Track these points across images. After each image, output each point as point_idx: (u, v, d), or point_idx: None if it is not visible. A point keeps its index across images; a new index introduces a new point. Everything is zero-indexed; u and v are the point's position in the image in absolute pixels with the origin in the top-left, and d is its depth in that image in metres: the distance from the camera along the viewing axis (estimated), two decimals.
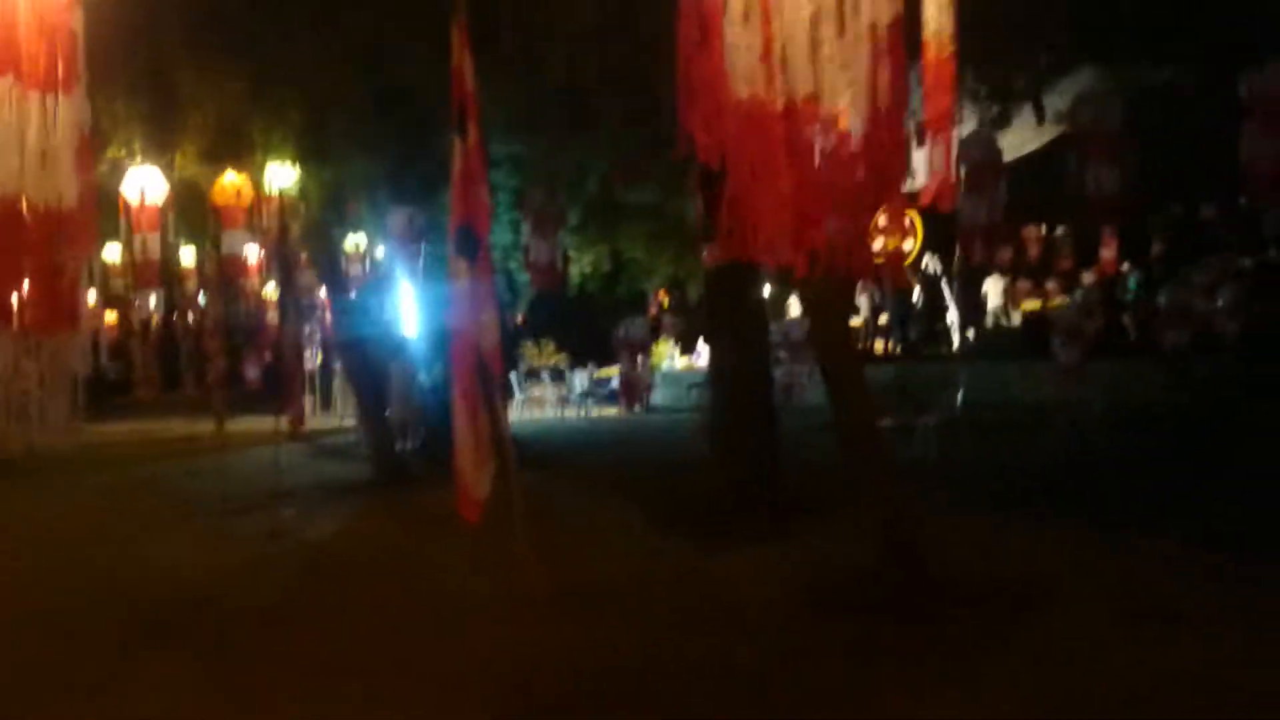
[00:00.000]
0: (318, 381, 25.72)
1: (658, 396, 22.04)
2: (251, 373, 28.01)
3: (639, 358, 14.64)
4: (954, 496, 9.54)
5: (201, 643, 6.23)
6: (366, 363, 12.91)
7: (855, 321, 21.56)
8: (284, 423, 9.93)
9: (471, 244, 4.57)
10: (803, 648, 5.81)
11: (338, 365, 24.64)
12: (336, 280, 13.36)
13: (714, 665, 5.54)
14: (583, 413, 20.64)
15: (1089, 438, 12.40)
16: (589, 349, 25.56)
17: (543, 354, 26.73)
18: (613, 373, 22.76)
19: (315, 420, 24.73)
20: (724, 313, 9.79)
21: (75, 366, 4.13)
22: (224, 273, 12.00)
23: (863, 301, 20.58)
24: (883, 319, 20.62)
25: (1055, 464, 11.54)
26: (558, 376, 22.75)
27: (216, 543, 9.53)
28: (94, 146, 4.24)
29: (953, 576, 6.65)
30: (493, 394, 4.59)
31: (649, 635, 6.10)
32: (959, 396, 13.14)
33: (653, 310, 27.51)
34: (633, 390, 13.55)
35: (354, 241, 15.61)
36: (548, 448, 15.52)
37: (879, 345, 20.36)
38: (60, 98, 3.71)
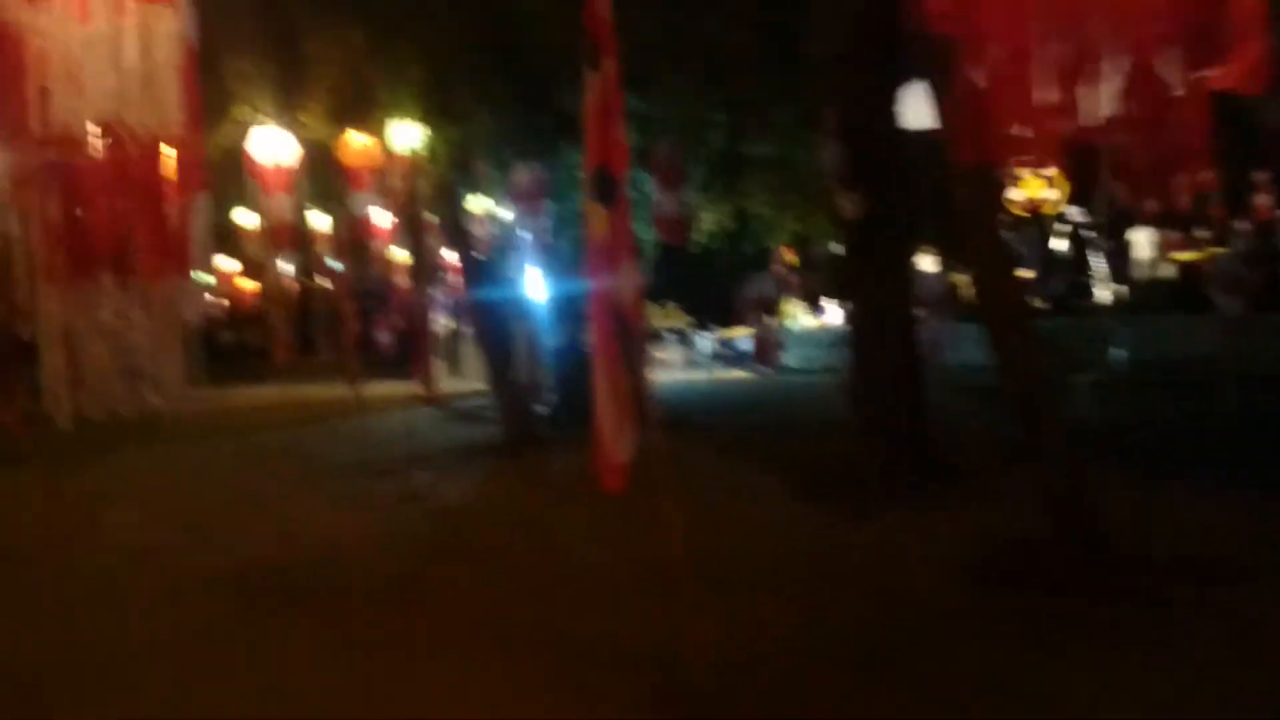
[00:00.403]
0: (447, 345, 26.06)
1: (787, 357, 21.48)
2: (383, 337, 28.49)
3: (770, 317, 13.97)
4: (1118, 461, 8.79)
5: (334, 611, 6.04)
6: (495, 326, 12.71)
7: None
8: (417, 387, 9.69)
9: (609, 187, 4.16)
10: (973, 629, 5.28)
11: (467, 328, 24.97)
12: (463, 242, 13.17)
13: (874, 648, 5.08)
14: (710, 375, 20.20)
15: (1259, 396, 11.40)
16: (711, 310, 25.13)
17: (665, 316, 26.43)
18: (739, 333, 22.31)
19: (446, 384, 25.00)
20: (864, 266, 9.19)
21: (187, 316, 3.78)
22: (354, 235, 11.90)
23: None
24: (1024, 273, 19.60)
25: (1225, 425, 10.64)
26: (681, 339, 22.36)
27: (350, 507, 9.44)
28: (200, 71, 3.75)
29: (1132, 549, 6.03)
30: (634, 352, 4.19)
31: (800, 613, 5.64)
32: (1116, 353, 12.24)
33: (776, 269, 26.91)
34: (766, 350, 12.93)
35: (481, 203, 15.47)
36: (678, 411, 15.12)
37: None
38: (160, 6, 3.20)
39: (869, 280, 9.10)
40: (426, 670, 5.03)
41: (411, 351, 9.95)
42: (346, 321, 11.79)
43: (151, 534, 8.56)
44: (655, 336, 22.76)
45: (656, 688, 4.65)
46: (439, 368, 26.31)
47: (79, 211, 3.59)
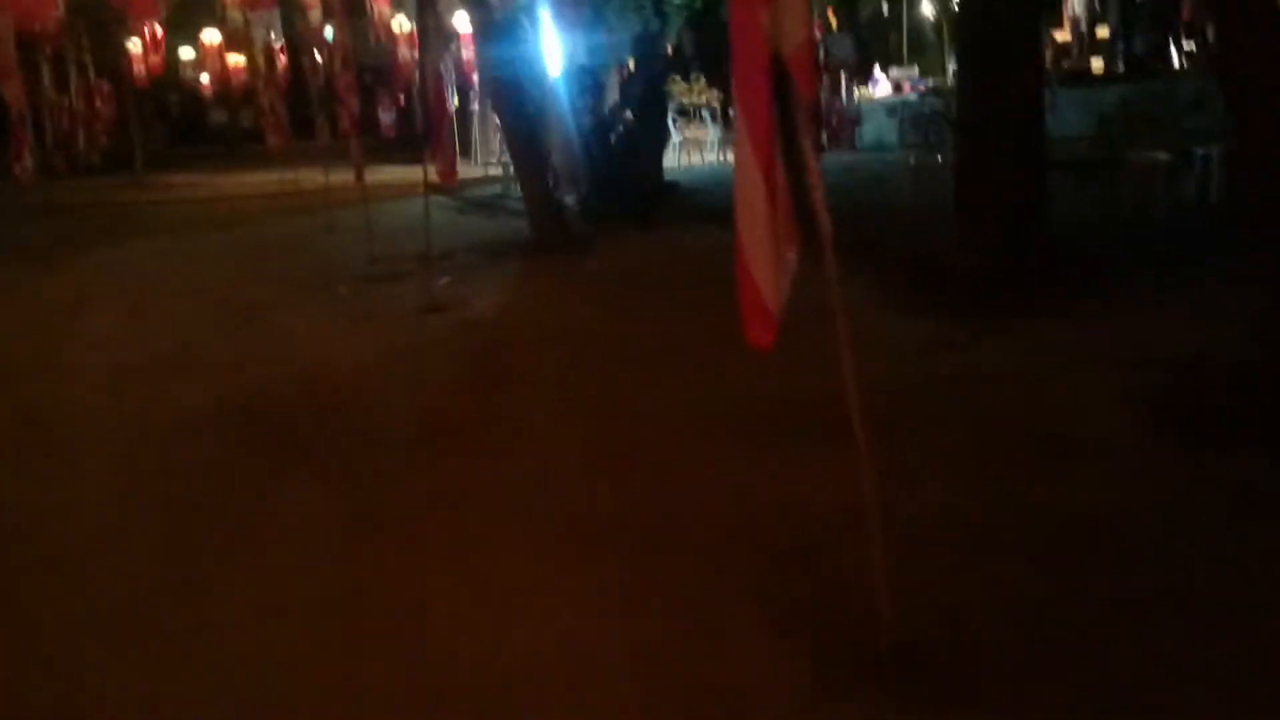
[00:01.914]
0: (455, 126, 24.09)
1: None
2: (385, 117, 26.39)
3: (843, 85, 11.92)
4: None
5: (350, 466, 4.75)
6: (521, 105, 10.99)
7: (1062, 35, 18.53)
8: (432, 173, 8.15)
9: None
10: (1175, 490, 3.95)
11: (475, 108, 22.89)
12: (481, 5, 11.24)
13: (1054, 509, 3.77)
14: (720, 158, 18.37)
15: None
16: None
17: (693, 91, 24.27)
18: None
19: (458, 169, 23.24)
20: (983, 19, 7.44)
21: None
22: None
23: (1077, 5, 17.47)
24: (1102, 30, 17.55)
25: None
26: (716, 117, 20.37)
27: (362, 319, 8.09)
28: None
29: None
30: (807, 144, 2.69)
31: (968, 487, 4.25)
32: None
33: (816, 35, 24.60)
34: (841, 126, 11.04)
35: None
36: (723, 198, 13.57)
37: (1096, 62, 17.33)
38: None
39: (989, 39, 7.37)
40: (467, 541, 3.77)
41: (427, 132, 8.29)
42: (345, 100, 10.10)
43: (134, 351, 7.25)
44: (685, 113, 20.79)
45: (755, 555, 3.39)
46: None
47: None
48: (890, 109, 17.84)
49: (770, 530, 3.80)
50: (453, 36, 20.14)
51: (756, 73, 2.61)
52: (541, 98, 12.20)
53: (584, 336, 6.96)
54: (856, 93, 19.64)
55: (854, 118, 12.44)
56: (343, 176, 13.66)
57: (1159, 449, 4.39)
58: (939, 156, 11.67)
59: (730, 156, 16.95)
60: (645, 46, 19.40)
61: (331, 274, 10.04)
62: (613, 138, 11.74)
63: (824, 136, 11.50)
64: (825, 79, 11.00)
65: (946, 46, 23.67)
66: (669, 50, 22.56)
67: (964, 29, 7.79)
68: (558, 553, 3.71)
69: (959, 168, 7.68)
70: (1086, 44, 17.42)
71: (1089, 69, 16.97)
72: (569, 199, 12.41)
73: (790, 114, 2.71)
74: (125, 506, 4.45)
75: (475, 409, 5.53)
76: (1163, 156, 9.52)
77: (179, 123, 35.50)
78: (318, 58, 15.66)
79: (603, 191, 11.68)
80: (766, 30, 2.58)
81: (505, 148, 18.44)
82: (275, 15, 13.23)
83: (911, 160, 11.84)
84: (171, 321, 8.17)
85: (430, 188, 16.85)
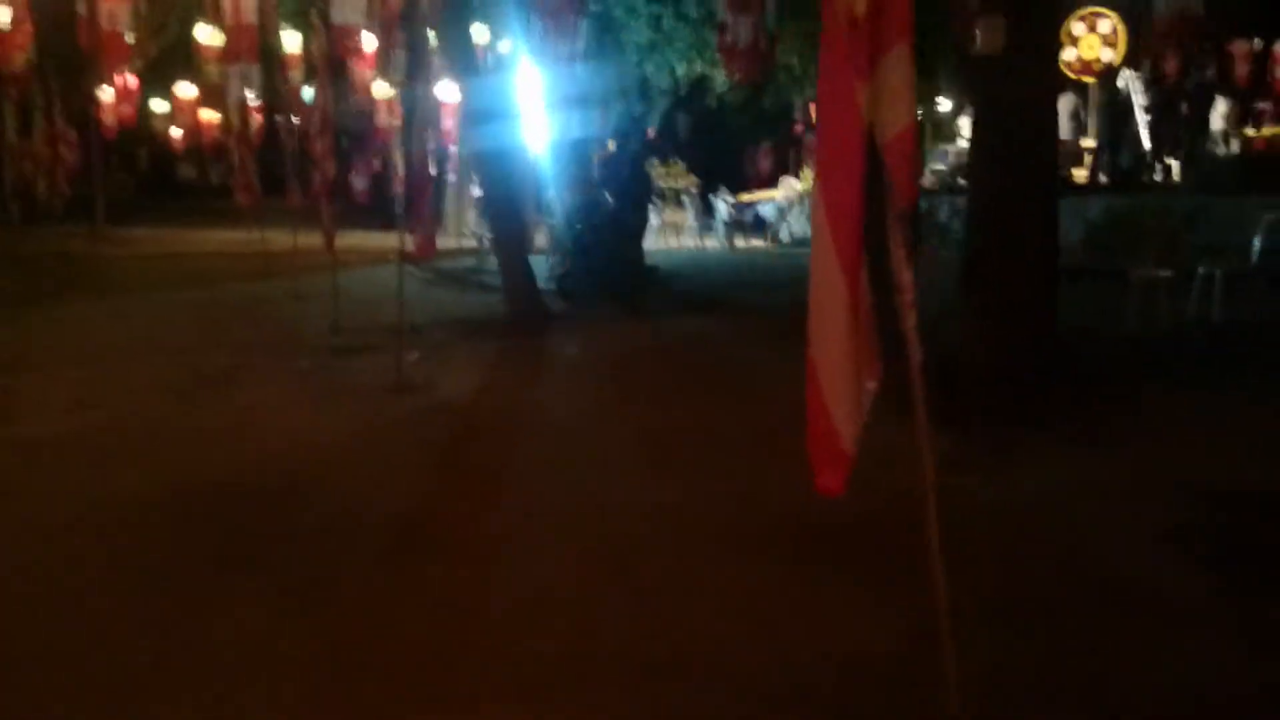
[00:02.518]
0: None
1: (806, 229, 19.42)
2: (358, 182, 25.97)
3: None
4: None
5: (309, 574, 4.14)
6: (506, 177, 10.57)
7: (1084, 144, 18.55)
8: (410, 242, 7.65)
9: None
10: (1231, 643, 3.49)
11: (452, 178, 22.52)
12: (471, 70, 10.88)
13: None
14: (727, 243, 18.16)
15: None
16: (721, 173, 22.97)
17: (670, 175, 24.14)
18: (759, 197, 20.25)
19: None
20: (1000, 117, 7.12)
21: None
22: (333, 53, 9.64)
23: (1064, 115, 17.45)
24: (1086, 142, 17.49)
25: None
26: (696, 202, 20.18)
27: (326, 395, 7.50)
28: None
29: None
30: (900, 253, 2.20)
31: (1009, 616, 3.78)
32: (1256, 240, 10.30)
33: (798, 128, 24.62)
34: None
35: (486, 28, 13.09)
36: (705, 286, 13.22)
37: (1078, 173, 17.26)
38: None
39: (1007, 135, 7.04)
40: (454, 711, 3.18)
41: (408, 202, 7.79)
42: (321, 162, 9.61)
43: (74, 420, 6.61)
44: (663, 196, 20.58)
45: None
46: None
47: None
48: None
49: (800, 677, 3.26)
50: (435, 105, 19.88)
51: (849, 158, 2.14)
52: (524, 172, 11.81)
53: (567, 431, 6.41)
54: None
55: None
56: (311, 239, 13.15)
57: (1208, 595, 3.93)
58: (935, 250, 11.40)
59: (708, 243, 16.76)
60: (629, 127, 19.25)
61: (295, 343, 9.47)
62: (595, 217, 11.33)
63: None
64: None
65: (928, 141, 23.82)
66: (649, 133, 22.46)
67: (981, 116, 7.46)
68: (550, 697, 3.14)
69: (970, 264, 7.28)
70: (1070, 154, 17.41)
71: (1070, 178, 16.94)
72: (548, 277, 11.95)
73: (880, 215, 2.25)
74: (41, 607, 3.82)
75: (451, 512, 4.95)
76: (1164, 273, 9.26)
77: (146, 175, 34.91)
78: (293, 118, 15.22)
79: (583, 271, 11.24)
80: (863, 109, 2.12)
81: (479, 220, 18.18)
82: (254, 70, 12.80)
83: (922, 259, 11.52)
84: (120, 388, 7.53)
85: (404, 257, 16.43)
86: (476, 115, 10.87)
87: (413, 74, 8.34)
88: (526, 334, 9.84)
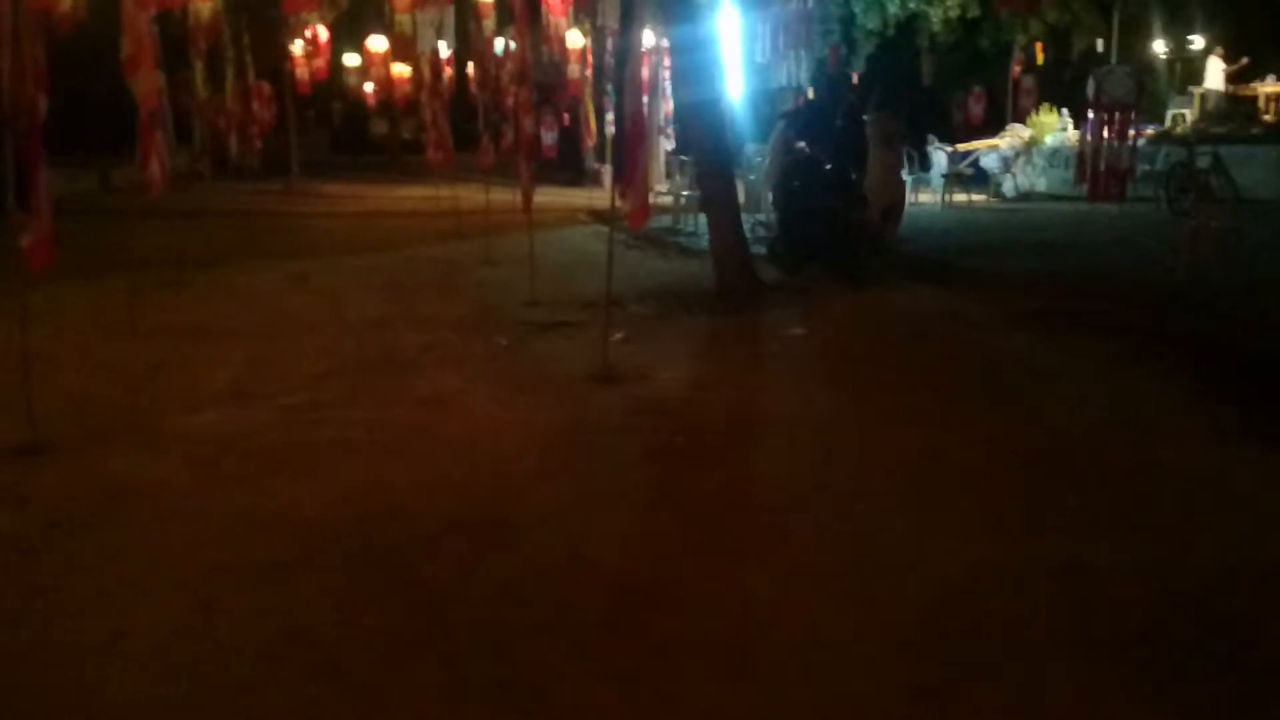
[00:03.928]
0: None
1: (1034, 182, 17.50)
2: (547, 137, 25.21)
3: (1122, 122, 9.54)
4: None
5: (513, 656, 3.16)
6: (720, 133, 9.39)
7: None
8: (622, 204, 6.60)
9: None
10: None
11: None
12: (679, 14, 9.67)
13: None
14: (946, 198, 16.43)
15: None
16: (926, 121, 21.06)
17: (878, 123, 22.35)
18: (979, 146, 18.34)
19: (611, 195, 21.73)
20: None
21: None
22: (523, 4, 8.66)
23: None
24: None
25: None
26: (909, 153, 18.44)
27: (521, 384, 6.56)
28: None
29: None
30: None
31: None
32: None
33: (1015, 70, 22.40)
34: (1113, 173, 8.91)
35: None
36: (930, 249, 11.74)
37: None
38: None
39: None
40: None
41: (620, 163, 6.74)
42: (521, 118, 8.72)
43: (244, 412, 5.88)
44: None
45: None
46: (605, 175, 23.23)
47: None
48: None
49: None
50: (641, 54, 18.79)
51: None
52: (729, 125, 10.58)
53: (822, 448, 5.21)
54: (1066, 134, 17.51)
55: (1129, 165, 10.32)
56: (503, 197, 12.36)
57: None
58: (1212, 222, 9.65)
59: (922, 197, 14.82)
60: (837, 73, 17.68)
61: (488, 317, 8.63)
62: (812, 174, 10.04)
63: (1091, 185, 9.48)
64: (1101, 117, 9.01)
65: (1166, 90, 21.27)
66: (853, 78, 20.78)
67: None
68: None
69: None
70: None
71: None
72: (754, 240, 10.74)
73: None
74: (173, 672, 2.96)
75: (694, 570, 3.81)
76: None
77: (340, 131, 35.32)
78: (485, 70, 14.46)
79: (800, 235, 9.98)
80: None
81: (676, 174, 17.13)
82: (447, 20, 11.98)
83: (1190, 222, 9.80)
84: (296, 374, 6.79)
85: (592, 215, 15.51)
86: (684, 64, 9.68)
87: (630, 19, 7.23)
88: (740, 309, 8.71)
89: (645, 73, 15.14)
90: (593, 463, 5.04)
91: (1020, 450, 5.08)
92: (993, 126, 20.35)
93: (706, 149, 9.38)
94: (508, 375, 6.81)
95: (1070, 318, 7.89)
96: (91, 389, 6.42)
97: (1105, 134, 8.94)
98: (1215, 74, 18.58)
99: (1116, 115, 8.63)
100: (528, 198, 9.29)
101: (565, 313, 8.61)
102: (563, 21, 16.21)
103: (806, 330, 7.97)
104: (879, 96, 11.60)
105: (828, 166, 9.94)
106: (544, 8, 15.78)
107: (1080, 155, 12.32)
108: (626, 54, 7.26)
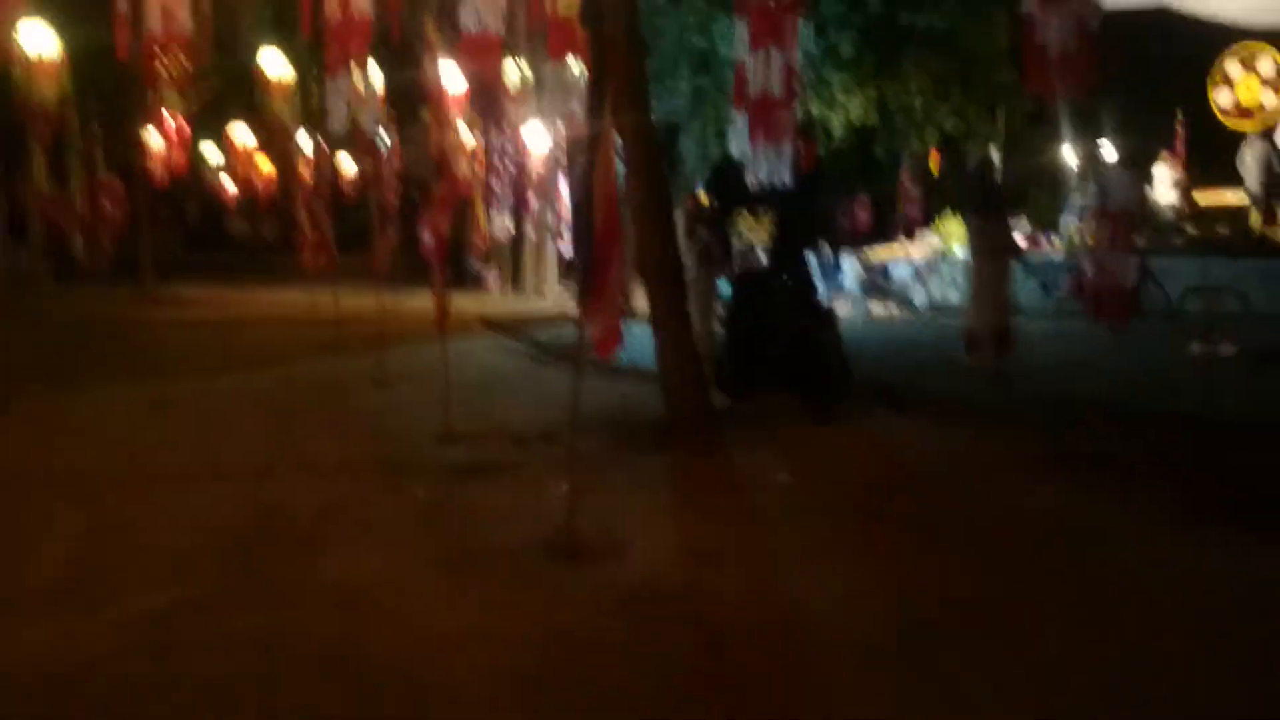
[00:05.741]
0: (506, 253, 21.42)
1: (945, 293, 16.78)
2: (426, 237, 23.74)
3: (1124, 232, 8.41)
4: None
5: None
6: (666, 233, 8.09)
7: (1234, 199, 15.82)
8: (588, 342, 5.22)
9: None
10: None
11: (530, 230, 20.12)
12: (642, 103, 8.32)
13: None
14: (865, 312, 15.40)
15: None
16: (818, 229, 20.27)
17: (758, 226, 21.58)
18: (891, 254, 17.48)
19: (507, 298, 20.37)
20: None
21: None
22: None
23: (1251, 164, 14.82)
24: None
25: None
26: (821, 264, 17.52)
27: (458, 562, 5.01)
28: None
29: None
30: None
31: None
32: None
33: (903, 179, 22.09)
34: (1117, 298, 7.95)
35: None
36: (874, 368, 10.59)
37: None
38: None
39: None
40: None
41: (588, 277, 5.33)
42: (436, 218, 7.38)
43: (53, 626, 4.19)
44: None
45: None
46: (494, 278, 21.88)
47: None
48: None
49: None
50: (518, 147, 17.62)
51: None
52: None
53: (889, 670, 3.83)
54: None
55: (1136, 280, 9.33)
56: (366, 303, 10.72)
57: None
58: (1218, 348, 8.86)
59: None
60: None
61: (395, 457, 7.08)
62: (765, 285, 8.85)
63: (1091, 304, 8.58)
64: (1105, 228, 8.13)
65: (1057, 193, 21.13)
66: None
67: None
68: None
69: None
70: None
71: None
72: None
73: None
74: None
75: None
76: None
77: (197, 228, 33.01)
78: (377, 165, 13.09)
79: (751, 358, 8.72)
80: None
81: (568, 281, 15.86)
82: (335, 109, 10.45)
83: (1194, 349, 8.96)
84: (155, 553, 5.09)
85: (492, 326, 13.96)
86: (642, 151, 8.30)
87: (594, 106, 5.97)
88: (701, 446, 7.35)
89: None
90: (547, 668, 3.54)
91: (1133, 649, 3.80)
92: (878, 236, 19.76)
93: (653, 252, 8.04)
94: (439, 549, 5.24)
95: (1091, 462, 6.74)
96: None
97: (1111, 244, 8.08)
98: (1164, 182, 17.39)
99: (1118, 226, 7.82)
100: (442, 307, 7.84)
101: (490, 450, 7.14)
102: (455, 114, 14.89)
103: (792, 478, 6.63)
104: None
105: (785, 277, 8.76)
106: (435, 104, 14.45)
107: (1079, 269, 11.43)
108: (593, 150, 5.91)
